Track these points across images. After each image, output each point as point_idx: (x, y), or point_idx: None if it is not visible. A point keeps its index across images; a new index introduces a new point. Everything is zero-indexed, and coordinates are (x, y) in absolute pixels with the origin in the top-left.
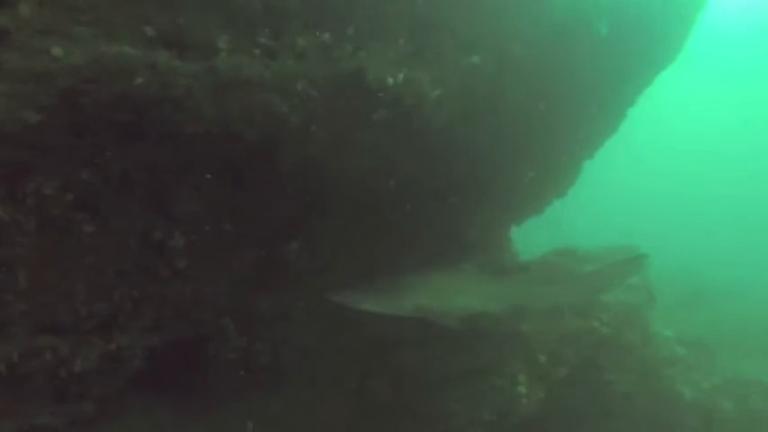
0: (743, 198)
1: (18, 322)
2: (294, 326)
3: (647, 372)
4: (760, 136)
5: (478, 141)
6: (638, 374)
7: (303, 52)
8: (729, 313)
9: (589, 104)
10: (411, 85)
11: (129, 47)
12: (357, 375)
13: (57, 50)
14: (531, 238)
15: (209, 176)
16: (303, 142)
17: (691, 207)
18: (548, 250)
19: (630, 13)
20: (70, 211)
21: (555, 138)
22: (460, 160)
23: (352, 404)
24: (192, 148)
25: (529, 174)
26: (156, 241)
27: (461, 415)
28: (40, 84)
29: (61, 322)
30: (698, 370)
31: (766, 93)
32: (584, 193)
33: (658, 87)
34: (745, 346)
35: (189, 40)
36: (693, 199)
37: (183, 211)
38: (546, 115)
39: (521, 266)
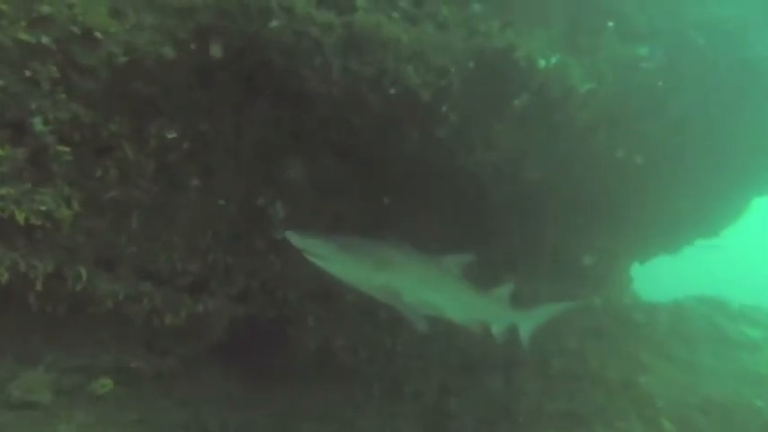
0: None
1: (126, 264)
2: (378, 327)
3: None
4: None
5: (623, 152)
6: None
7: (445, 22)
8: None
9: None
10: (561, 73)
11: None
12: (437, 392)
13: None
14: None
15: (321, 145)
16: (432, 122)
17: None
18: (680, 294)
19: None
20: (184, 161)
21: (724, 161)
22: (596, 172)
23: (426, 423)
24: (311, 109)
25: (680, 202)
26: (257, 208)
27: None
28: (183, 18)
29: (159, 273)
30: None
31: None
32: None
33: None
34: None
35: None
36: None
37: (289, 180)
38: (718, 124)
39: (646, 309)
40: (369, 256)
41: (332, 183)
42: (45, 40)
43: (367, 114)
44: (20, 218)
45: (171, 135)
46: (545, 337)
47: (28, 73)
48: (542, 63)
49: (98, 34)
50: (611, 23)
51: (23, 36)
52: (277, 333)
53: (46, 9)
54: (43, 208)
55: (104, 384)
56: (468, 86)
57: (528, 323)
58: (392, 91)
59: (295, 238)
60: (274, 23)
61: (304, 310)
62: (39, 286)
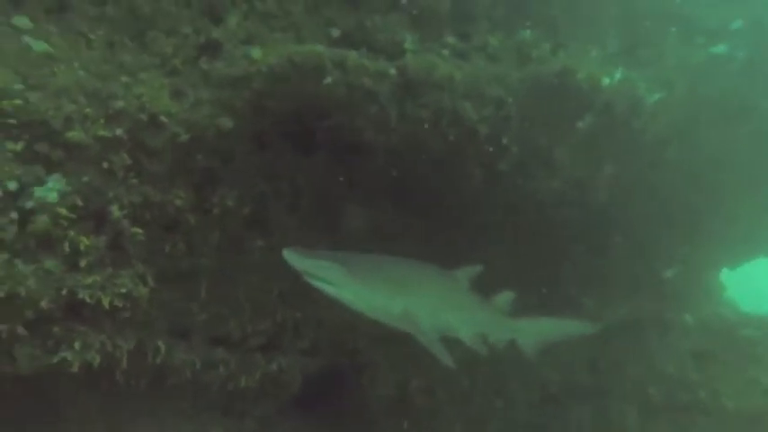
0: None
1: (199, 332)
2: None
3: None
4: None
5: (701, 161)
6: None
7: (495, 53)
8: None
9: None
10: (627, 87)
11: (320, 45)
12: (522, 430)
13: (255, 52)
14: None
15: (379, 191)
16: (492, 156)
17: None
18: None
19: None
20: (246, 225)
21: None
22: (671, 183)
23: None
24: (369, 158)
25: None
26: None
27: None
28: (237, 88)
29: (231, 337)
30: None
31: None
32: None
33: None
34: None
35: (374, 42)
36: None
37: (350, 229)
38: None
39: (756, 323)
40: (384, 279)
41: (392, 227)
42: (119, 132)
43: (426, 157)
44: (105, 302)
45: (231, 202)
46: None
47: (105, 165)
48: (606, 81)
49: (162, 118)
50: (673, 29)
51: (102, 132)
52: (351, 381)
53: (120, 104)
54: (124, 290)
55: None
56: (528, 115)
57: (532, 336)
58: (450, 130)
59: (294, 258)
60: (328, 80)
61: (376, 357)
62: (124, 364)
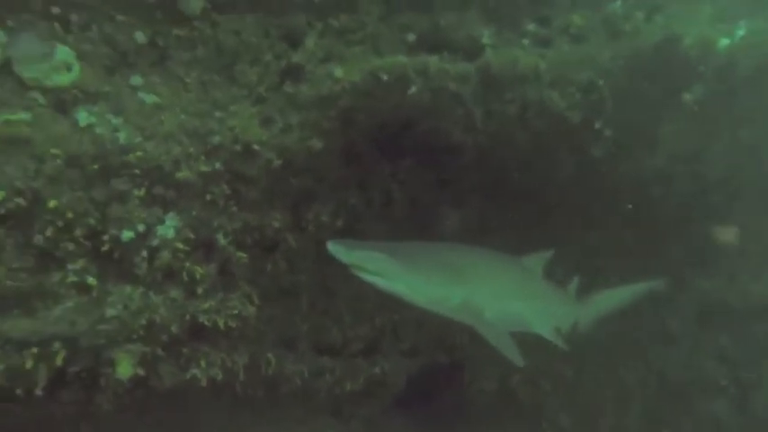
0: None
1: (304, 342)
2: (556, 356)
3: None
4: None
5: None
6: None
7: (580, 33)
8: None
9: None
10: (751, 45)
11: (401, 56)
12: (641, 422)
13: (338, 72)
14: None
15: (469, 189)
16: (585, 142)
17: None
18: None
19: None
20: (340, 237)
21: None
22: None
23: None
24: (457, 159)
25: None
26: None
27: None
28: (323, 108)
29: (334, 344)
30: None
31: None
32: None
33: None
34: None
35: (450, 41)
36: None
37: (444, 231)
38: None
39: None
40: (441, 267)
41: (485, 224)
42: (218, 165)
43: (515, 151)
44: (221, 324)
45: (325, 217)
46: None
47: (208, 197)
48: (725, 42)
49: (255, 146)
50: None
51: (204, 168)
52: (453, 378)
53: (216, 139)
54: (235, 311)
55: None
56: (624, 95)
57: (593, 314)
58: (538, 122)
59: (340, 251)
60: (413, 89)
61: (475, 352)
62: (241, 377)
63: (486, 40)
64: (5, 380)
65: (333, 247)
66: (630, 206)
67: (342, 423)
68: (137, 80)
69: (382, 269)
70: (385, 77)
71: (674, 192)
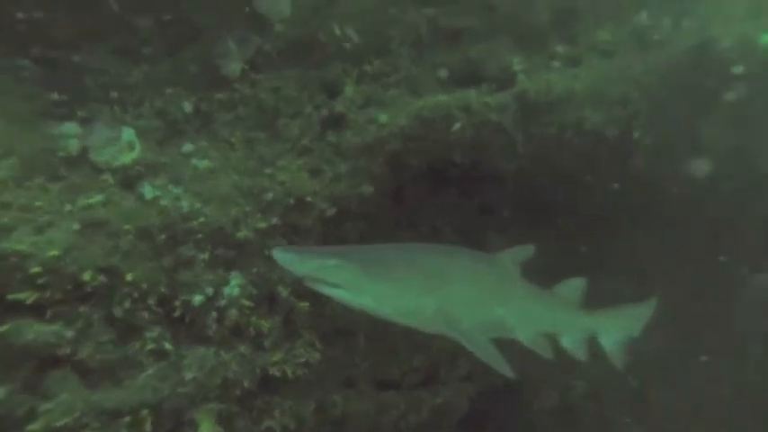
0: None
1: (364, 380)
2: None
3: None
4: None
5: None
6: None
7: (609, 48)
8: None
9: None
10: None
11: (441, 94)
12: None
13: (382, 117)
14: None
15: (515, 214)
16: (623, 154)
17: None
18: None
19: None
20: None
21: None
22: None
23: None
24: (500, 185)
25: None
26: None
27: None
28: (371, 154)
29: (392, 378)
30: None
31: None
32: None
33: None
34: None
35: (482, 72)
36: None
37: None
38: None
39: None
40: (411, 273)
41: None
42: (274, 220)
43: (555, 171)
44: (290, 373)
45: None
46: None
47: (266, 252)
48: (766, 38)
49: (308, 198)
50: None
51: (261, 225)
52: (511, 397)
53: (270, 195)
54: (302, 360)
55: None
56: (661, 103)
57: (613, 330)
58: (576, 141)
59: (288, 260)
60: (457, 126)
61: (533, 368)
62: (311, 422)
63: (516, 67)
64: None
65: (280, 257)
66: (678, 210)
67: None
68: (188, 147)
69: (343, 279)
70: (429, 118)
71: (720, 192)
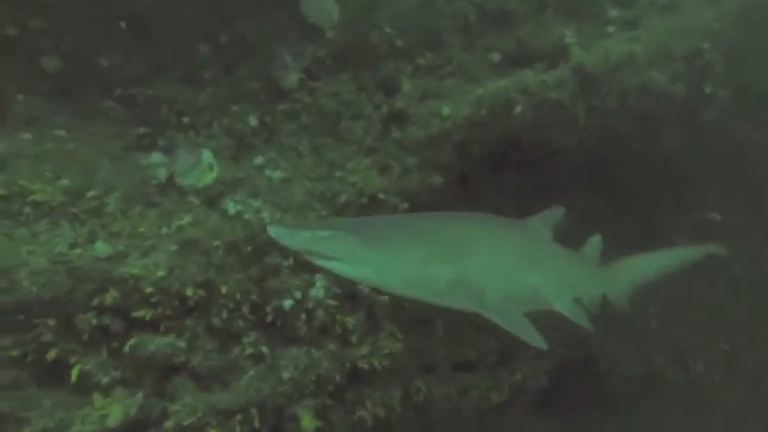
0: None
1: (443, 365)
2: (705, 330)
3: None
4: None
5: None
6: None
7: (672, 3)
8: None
9: None
10: None
11: (499, 80)
12: None
13: (445, 110)
14: None
15: (578, 187)
16: (695, 111)
17: None
18: None
19: None
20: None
21: None
22: None
23: None
24: (562, 160)
25: None
26: None
27: None
28: (437, 145)
29: (470, 361)
30: None
31: None
32: None
33: None
34: None
35: (534, 50)
36: None
37: (560, 231)
38: None
39: None
40: (418, 240)
41: (589, 214)
42: None
43: (618, 140)
44: (377, 365)
45: None
46: None
47: None
48: None
49: (381, 195)
50: None
51: None
52: (587, 371)
53: (343, 198)
54: (387, 351)
55: None
56: (735, 52)
57: (623, 284)
58: (640, 105)
59: (282, 235)
60: (518, 109)
61: (609, 341)
62: (399, 409)
63: (569, 40)
64: None
65: (274, 232)
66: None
67: None
68: (260, 160)
69: (339, 251)
70: (490, 105)
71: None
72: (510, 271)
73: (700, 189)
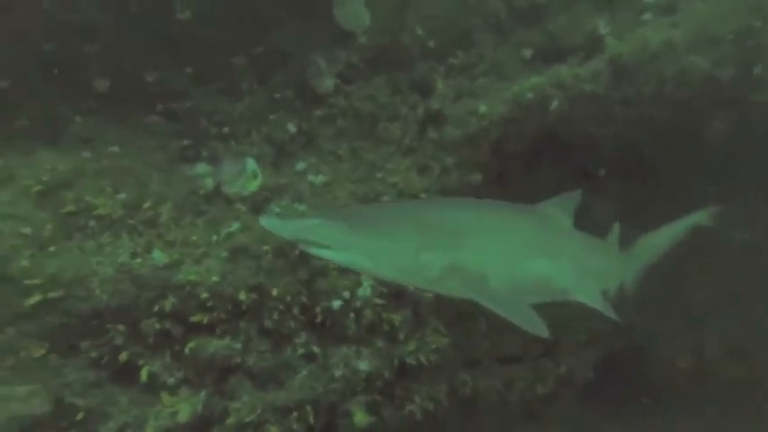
0: None
1: (486, 358)
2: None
3: None
4: None
5: None
6: None
7: None
8: None
9: None
10: None
11: (534, 76)
12: None
13: (482, 108)
14: None
15: (613, 177)
16: (740, 95)
17: None
18: None
19: None
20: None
21: None
22: None
23: None
24: (596, 151)
25: None
26: None
27: None
28: (476, 143)
29: (513, 353)
30: None
31: None
32: None
33: None
34: None
35: (566, 44)
36: None
37: (597, 219)
38: None
39: None
40: (411, 225)
41: (630, 205)
42: None
43: (654, 130)
44: (424, 360)
45: None
46: None
47: None
48: None
49: (421, 195)
50: None
51: None
52: (633, 361)
53: (385, 198)
54: (433, 346)
55: None
56: None
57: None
58: (678, 93)
59: (274, 225)
60: (554, 104)
61: (655, 329)
62: (445, 402)
63: (603, 30)
64: None
65: (265, 222)
66: None
67: (534, 425)
68: (301, 165)
69: (329, 238)
70: (526, 101)
71: None
72: (515, 258)
73: (746, 176)
